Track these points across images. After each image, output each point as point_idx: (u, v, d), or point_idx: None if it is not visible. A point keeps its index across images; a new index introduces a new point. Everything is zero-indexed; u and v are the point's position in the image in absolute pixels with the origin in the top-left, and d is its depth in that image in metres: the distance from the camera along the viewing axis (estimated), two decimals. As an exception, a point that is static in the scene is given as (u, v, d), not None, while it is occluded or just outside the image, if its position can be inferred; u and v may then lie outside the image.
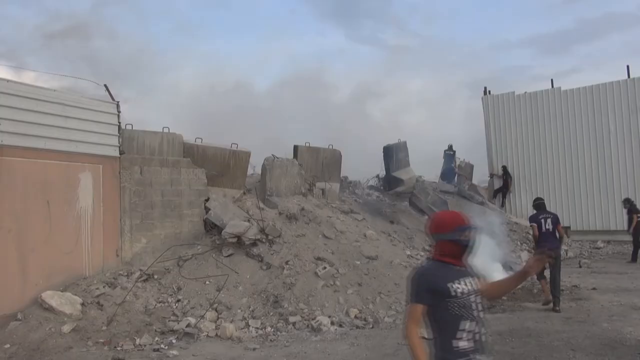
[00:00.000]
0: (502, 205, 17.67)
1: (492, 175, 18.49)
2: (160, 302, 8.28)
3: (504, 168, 17.61)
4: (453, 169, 17.75)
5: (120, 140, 9.00)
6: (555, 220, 8.35)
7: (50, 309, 7.27)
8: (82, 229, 8.23)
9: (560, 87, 17.22)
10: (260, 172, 12.17)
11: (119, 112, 9.02)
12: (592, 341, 5.69)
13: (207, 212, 10.06)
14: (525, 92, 18.32)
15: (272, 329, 7.52)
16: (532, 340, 5.94)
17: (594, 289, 8.81)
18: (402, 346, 6.13)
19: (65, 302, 7.38)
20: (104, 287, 8.15)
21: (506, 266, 10.34)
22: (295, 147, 12.51)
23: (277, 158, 11.48)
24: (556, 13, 50.26)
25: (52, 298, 7.35)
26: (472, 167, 19.45)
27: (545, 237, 8.23)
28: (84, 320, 7.29)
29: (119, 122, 9.04)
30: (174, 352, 6.51)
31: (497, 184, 18.09)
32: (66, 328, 6.90)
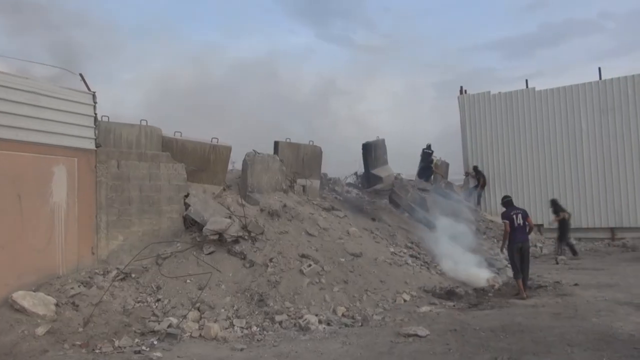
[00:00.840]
0: (477, 203, 17.85)
1: (467, 174, 18.67)
2: (139, 302, 7.92)
3: (475, 168, 17.80)
4: (430, 167, 17.82)
5: (97, 132, 8.58)
6: (525, 215, 8.87)
7: (22, 310, 6.83)
8: (55, 225, 7.80)
9: (534, 88, 17.52)
10: (239, 167, 11.89)
11: (95, 102, 8.60)
12: (585, 336, 5.70)
13: (186, 209, 9.72)
14: (500, 92, 18.57)
15: (258, 329, 7.29)
16: (526, 336, 5.91)
17: (576, 284, 8.92)
18: (396, 344, 6.04)
19: (38, 303, 6.95)
20: (79, 286, 7.74)
21: (488, 263, 10.39)
22: (276, 143, 12.27)
23: (259, 153, 11.21)
24: (520, 18, 51.67)
25: (24, 298, 6.91)
26: (447, 165, 19.58)
27: (518, 231, 8.73)
28: (59, 321, 6.89)
29: (95, 114, 8.61)
30: (158, 354, 6.20)
31: (472, 182, 18.28)
32: (40, 330, 6.50)
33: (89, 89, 8.57)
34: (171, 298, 8.08)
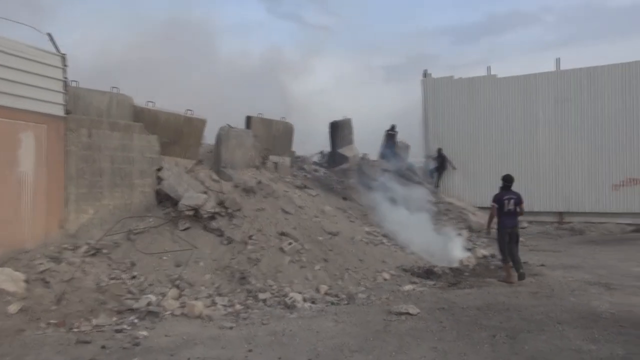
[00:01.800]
0: (437, 185, 18.28)
1: (427, 157, 19.04)
2: (113, 279, 7.57)
3: (439, 150, 18.18)
4: (394, 148, 18.02)
5: (66, 98, 8.00)
6: (518, 201, 8.55)
7: (-12, 286, 6.34)
8: (22, 196, 7.26)
9: (496, 75, 17.99)
10: (209, 142, 11.52)
11: (65, 66, 8.01)
12: (570, 315, 5.99)
13: (159, 183, 9.33)
14: (461, 77, 18.94)
15: (242, 307, 7.13)
16: (513, 315, 6.13)
17: (542, 265, 9.36)
18: (390, 322, 6.10)
19: (6, 279, 6.48)
20: (48, 262, 7.30)
21: (458, 244, 10.69)
22: (248, 118, 11.97)
23: (233, 128, 10.88)
24: (469, 6, 53.04)
25: (-9, 274, 6.41)
26: (408, 147, 19.87)
27: (508, 216, 8.51)
28: (30, 299, 6.47)
29: (65, 78, 8.03)
30: (143, 332, 5.94)
31: (433, 165, 18.67)
32: (13, 308, 6.07)
33: (58, 50, 7.95)
34: (147, 275, 7.77)
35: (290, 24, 51.00)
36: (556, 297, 6.91)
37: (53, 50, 7.88)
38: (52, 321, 6.19)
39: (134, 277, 7.73)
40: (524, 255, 10.85)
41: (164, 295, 7.25)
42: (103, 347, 5.39)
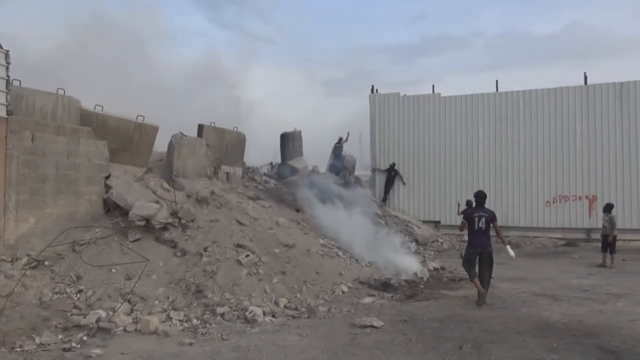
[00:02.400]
0: (384, 199, 18.63)
1: (374, 170, 19.39)
2: (57, 294, 7.10)
3: (392, 165, 18.59)
4: (341, 162, 18.19)
5: (8, 98, 7.44)
6: (491, 218, 7.87)
7: None
8: (-44, 203, 6.62)
9: (440, 93, 18.69)
10: (158, 149, 11.09)
11: (8, 63, 7.47)
12: (526, 325, 6.23)
13: (107, 191, 8.85)
14: (405, 95, 19.50)
15: (199, 322, 6.87)
16: (473, 326, 6.29)
17: (492, 277, 9.70)
18: (355, 335, 6.07)
19: (-63, 294, 5.86)
20: (-17, 275, 6.68)
21: (410, 256, 10.89)
22: (200, 127, 11.65)
23: (185, 136, 10.55)
24: (405, 27, 55.43)
25: None
26: (355, 160, 20.15)
27: (477, 235, 7.86)
28: (-36, 316, 5.88)
29: (8, 76, 7.47)
30: (97, 351, 5.56)
31: (379, 178, 19.02)
32: (-54, 326, 5.48)
33: (1, 46, 7.39)
34: (95, 289, 7.33)
35: (230, 34, 50.65)
36: (510, 308, 7.18)
37: (-5, 45, 7.32)
38: (-10, 340, 5.66)
39: (80, 291, 7.27)
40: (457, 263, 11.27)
41: (114, 310, 6.85)
42: (54, 367, 4.98)
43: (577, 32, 49.72)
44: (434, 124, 18.58)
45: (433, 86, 19.02)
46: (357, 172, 19.48)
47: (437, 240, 16.26)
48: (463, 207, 15.73)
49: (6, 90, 7.38)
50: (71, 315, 6.69)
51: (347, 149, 18.85)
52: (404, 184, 18.78)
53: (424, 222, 18.13)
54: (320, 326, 6.54)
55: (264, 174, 15.64)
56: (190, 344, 5.94)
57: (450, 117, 18.42)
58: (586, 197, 16.85)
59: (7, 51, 7.41)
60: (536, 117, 17.36)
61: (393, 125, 19.13)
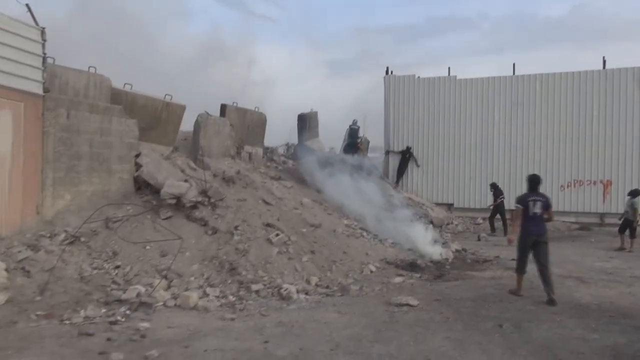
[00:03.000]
0: (397, 182, 18.70)
1: (387, 152, 19.42)
2: (95, 269, 7.21)
3: (408, 148, 18.62)
4: (356, 143, 18.22)
5: (45, 75, 7.47)
6: (546, 205, 7.16)
7: (-33, 275, 5.84)
8: (-1, 179, 6.71)
9: (456, 76, 18.62)
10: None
11: (44, 40, 7.48)
12: (561, 306, 6.36)
13: (137, 169, 8.93)
14: (419, 77, 19.42)
15: (235, 298, 7.01)
16: (508, 306, 6.43)
17: (513, 259, 9.80)
18: (393, 313, 6.21)
19: (-14, 268, 5.99)
20: (26, 250, 6.81)
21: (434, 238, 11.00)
22: (223, 106, 11.69)
23: (211, 116, 10.59)
24: (410, 8, 54.66)
25: (-30, 262, 5.91)
26: (368, 142, 20.17)
27: (533, 221, 7.08)
28: (12, 289, 6.03)
29: (44, 53, 7.49)
30: (145, 324, 5.69)
31: (393, 161, 19.07)
32: (0, 298, 5.62)
33: (36, 23, 7.40)
34: (132, 265, 7.45)
35: (234, 12, 50.04)
36: (538, 289, 7.28)
37: (31, 22, 7.32)
38: (39, 313, 5.81)
39: (117, 267, 7.39)
40: (489, 249, 11.41)
41: (151, 285, 6.98)
42: (109, 339, 5.12)
43: (584, 15, 49.13)
44: (449, 107, 18.55)
45: (449, 68, 18.97)
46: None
47: (452, 223, 16.39)
48: (490, 193, 15.89)
49: (42, 68, 7.41)
50: (111, 290, 6.83)
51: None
52: (417, 166, 18.83)
53: (437, 204, 18.24)
54: (356, 304, 6.68)
55: (282, 154, 15.72)
56: (232, 319, 6.07)
57: (466, 100, 18.38)
58: (600, 181, 16.92)
59: (43, 28, 7.42)
60: (552, 101, 17.33)
61: (408, 107, 19.10)
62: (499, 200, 15.36)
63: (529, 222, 7.10)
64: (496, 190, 15.72)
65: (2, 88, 6.68)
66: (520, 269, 7.21)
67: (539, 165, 17.46)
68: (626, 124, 16.51)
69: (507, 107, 17.93)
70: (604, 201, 16.85)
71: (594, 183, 17.01)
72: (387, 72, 19.61)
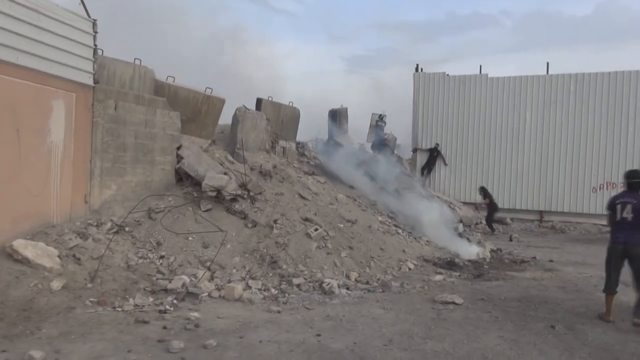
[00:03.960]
0: (424, 179, 18.60)
1: (415, 150, 19.32)
2: (141, 258, 7.34)
3: (437, 146, 18.50)
4: (383, 140, 18.17)
5: (95, 66, 7.60)
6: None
7: (24, 261, 5.99)
8: (51, 168, 6.87)
9: (487, 74, 18.41)
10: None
11: (95, 32, 7.60)
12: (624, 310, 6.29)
13: (179, 161, 9.04)
14: (448, 74, 19.21)
15: (277, 291, 7.07)
16: (555, 307, 6.36)
17: (551, 261, 9.74)
18: (440, 311, 6.20)
19: (42, 254, 6.14)
20: (76, 237, 6.95)
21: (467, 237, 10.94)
22: (259, 100, 11.73)
23: (248, 110, 10.65)
24: (431, 3, 53.93)
25: (26, 248, 6.06)
26: (395, 139, 20.09)
27: (622, 227, 6.08)
28: (64, 275, 6.16)
29: (95, 45, 7.61)
30: (195, 314, 5.77)
31: (421, 158, 18.97)
32: (56, 285, 5.76)
33: (88, 15, 7.52)
34: (176, 255, 7.56)
35: (254, 7, 50.10)
36: (584, 292, 7.22)
37: (84, 14, 7.44)
38: (92, 299, 5.93)
39: (162, 257, 7.51)
40: (524, 250, 11.28)
41: (195, 276, 7.08)
42: (165, 327, 5.22)
43: (609, 13, 48.06)
44: (479, 105, 18.35)
45: (480, 67, 18.76)
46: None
47: (480, 222, 16.26)
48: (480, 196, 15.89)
49: (93, 59, 7.53)
50: (156, 279, 6.93)
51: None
52: (445, 164, 18.70)
53: (464, 203, 18.09)
54: (400, 301, 6.69)
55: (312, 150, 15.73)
56: (279, 312, 6.13)
57: (497, 98, 18.17)
58: (634, 184, 16.58)
59: (95, 20, 7.54)
60: (587, 101, 17.02)
61: (437, 105, 18.96)
62: (486, 201, 15.48)
63: (616, 229, 6.19)
64: (485, 194, 15.65)
65: (56, 78, 6.81)
66: (608, 288, 6.11)
67: (571, 166, 17.23)
68: (663, 126, 16.17)
69: (539, 106, 17.67)
70: (637, 204, 16.52)
71: (627, 186, 16.67)
72: (416, 70, 19.48)
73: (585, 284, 7.79)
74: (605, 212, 6.74)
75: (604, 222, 16.66)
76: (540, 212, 17.67)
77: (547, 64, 17.87)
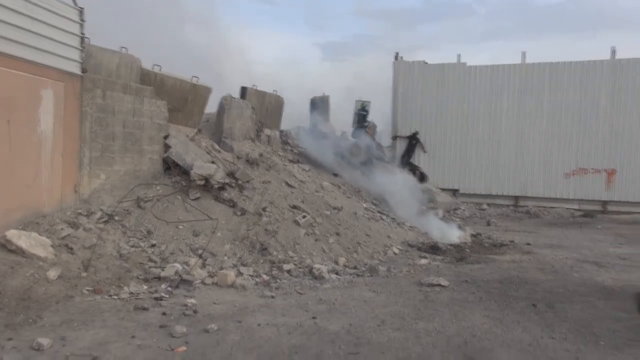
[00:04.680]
0: (403, 167, 18.91)
1: (395, 137, 19.61)
2: (132, 247, 7.40)
3: (415, 134, 18.80)
4: (365, 128, 18.38)
5: (83, 55, 7.56)
6: None
7: (18, 251, 6.03)
8: (42, 158, 6.87)
9: (465, 63, 18.76)
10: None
11: (82, 21, 7.55)
12: (586, 288, 6.67)
13: (166, 150, 9.07)
14: (426, 62, 19.50)
15: (269, 277, 7.24)
16: (535, 287, 6.72)
17: (528, 244, 10.15)
18: (427, 293, 6.48)
19: (35, 244, 6.18)
20: (67, 227, 6.98)
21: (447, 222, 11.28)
22: (244, 89, 11.79)
23: (234, 98, 10.71)
24: None
25: (20, 238, 6.09)
26: (375, 127, 20.32)
27: None
28: (59, 265, 6.21)
29: (83, 34, 7.57)
30: (191, 300, 5.90)
31: (400, 146, 19.28)
32: (52, 274, 5.82)
33: (75, 3, 7.46)
34: (167, 244, 7.66)
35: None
36: (561, 273, 7.60)
37: (70, 2, 7.38)
38: (88, 288, 6.01)
39: (153, 245, 7.58)
40: (502, 234, 11.70)
41: (187, 264, 7.20)
42: (164, 313, 5.35)
43: (581, 1, 49.13)
44: (457, 93, 18.72)
45: (459, 55, 19.07)
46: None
47: (459, 208, 16.70)
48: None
49: (81, 48, 7.49)
50: (149, 267, 7.03)
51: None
52: (424, 152, 19.05)
53: (443, 189, 18.51)
54: (388, 284, 6.94)
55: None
56: (272, 297, 6.30)
57: (475, 86, 18.56)
58: (605, 170, 17.26)
59: (82, 9, 7.48)
60: (561, 90, 17.55)
61: (416, 93, 19.25)
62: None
63: None
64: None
65: (45, 68, 6.77)
66: None
67: (545, 153, 17.79)
68: (632, 113, 16.81)
69: (515, 94, 18.13)
70: (607, 189, 17.21)
71: (598, 171, 17.34)
72: (396, 58, 19.70)
73: (562, 265, 8.19)
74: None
75: (576, 206, 17.41)
76: (516, 197, 18.23)
77: (523, 53, 18.30)
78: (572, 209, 17.26)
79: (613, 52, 17.17)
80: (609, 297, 6.27)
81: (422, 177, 18.11)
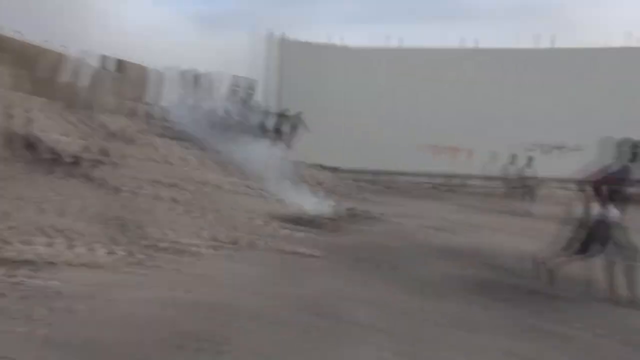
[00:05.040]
0: (288, 145, 19.21)
1: (277, 115, 19.75)
2: (-16, 230, 6.80)
3: (299, 114, 19.12)
4: (239, 104, 18.21)
5: None
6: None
7: None
8: None
9: (347, 45, 19.45)
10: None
11: None
12: (429, 249, 7.61)
13: (28, 124, 8.39)
14: (308, 42, 19.94)
15: (145, 256, 7.07)
16: (384, 251, 7.51)
17: (382, 214, 11.07)
18: (305, 263, 6.89)
19: None
20: None
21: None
22: (119, 61, 11.17)
23: (107, 70, 10.13)
24: None
25: None
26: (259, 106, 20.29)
27: None
28: None
29: None
30: (54, 282, 5.63)
31: (283, 124, 19.54)
32: None
33: None
34: (27, 226, 7.15)
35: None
36: (410, 239, 8.53)
37: None
38: None
39: (11, 227, 7.04)
40: (375, 207, 12.53)
41: (51, 245, 6.83)
42: (23, 297, 5.05)
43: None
44: (339, 74, 19.39)
45: (342, 37, 19.69)
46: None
47: (338, 185, 17.48)
48: None
49: None
50: (5, 252, 6.54)
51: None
52: (308, 131, 19.51)
53: (322, 167, 19.20)
54: (261, 255, 7.28)
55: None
56: (146, 275, 6.25)
57: (355, 68, 19.35)
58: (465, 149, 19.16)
59: None
60: (436, 75, 18.90)
61: (297, 73, 19.57)
62: None
63: None
64: None
65: None
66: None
67: (418, 133, 19.15)
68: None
69: (385, 77, 19.21)
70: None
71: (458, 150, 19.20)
72: (281, 37, 19.76)
73: (406, 232, 9.23)
74: None
75: (425, 179, 19.09)
76: (391, 174, 19.53)
77: (399, 37, 19.41)
78: (423, 182, 18.94)
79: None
80: (453, 258, 7.21)
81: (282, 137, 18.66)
